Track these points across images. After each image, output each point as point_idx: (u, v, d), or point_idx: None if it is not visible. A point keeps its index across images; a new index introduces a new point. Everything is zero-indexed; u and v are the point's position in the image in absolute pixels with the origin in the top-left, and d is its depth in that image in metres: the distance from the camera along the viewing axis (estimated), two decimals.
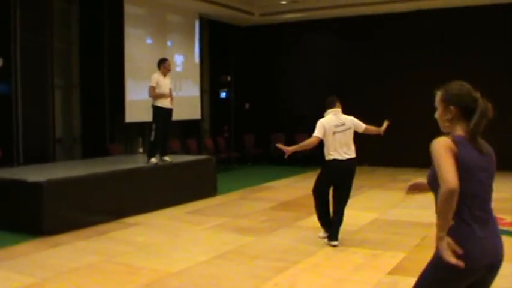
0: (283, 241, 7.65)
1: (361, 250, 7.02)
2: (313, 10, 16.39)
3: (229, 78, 18.30)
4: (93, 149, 12.56)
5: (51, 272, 6.15)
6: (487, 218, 2.88)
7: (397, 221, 7.72)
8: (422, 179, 3.08)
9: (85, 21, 12.86)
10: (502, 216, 8.84)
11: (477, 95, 2.93)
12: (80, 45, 12.87)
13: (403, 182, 11.32)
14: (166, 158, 10.66)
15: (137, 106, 13.26)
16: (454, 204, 2.72)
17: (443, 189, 2.70)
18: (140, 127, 13.78)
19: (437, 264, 2.84)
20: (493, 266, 2.89)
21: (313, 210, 9.56)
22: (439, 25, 15.26)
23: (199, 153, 15.15)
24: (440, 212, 2.77)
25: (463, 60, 14.69)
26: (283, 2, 16.38)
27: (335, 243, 7.25)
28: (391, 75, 15.69)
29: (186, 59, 15.72)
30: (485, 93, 2.99)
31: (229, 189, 12.17)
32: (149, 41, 14.35)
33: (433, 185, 2.91)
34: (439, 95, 3.03)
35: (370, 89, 15.96)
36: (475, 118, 2.86)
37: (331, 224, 7.42)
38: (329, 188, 7.50)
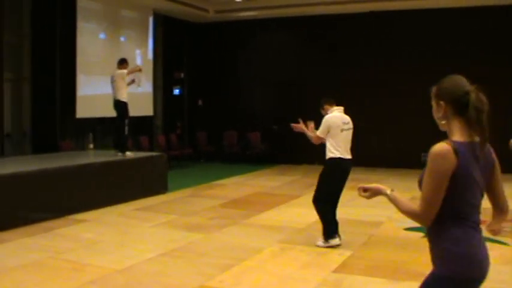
0: (232, 238, 7.67)
1: (308, 248, 7.08)
2: (268, 8, 16.48)
3: (182, 75, 18.22)
4: (43, 144, 12.35)
5: None
6: (479, 225, 2.72)
7: (345, 219, 7.83)
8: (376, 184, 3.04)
9: (37, 15, 12.62)
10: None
11: (469, 87, 2.68)
12: (31, 38, 12.62)
13: (354, 181, 11.45)
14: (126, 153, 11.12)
15: (89, 101, 13.11)
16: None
17: (416, 212, 2.63)
18: (91, 123, 13.62)
19: (441, 275, 2.69)
20: (483, 278, 2.72)
21: (264, 207, 9.63)
22: (394, 26, 15.51)
23: (152, 149, 15.05)
24: (399, 204, 2.73)
25: (422, 61, 14.98)
26: (238, 0, 16.39)
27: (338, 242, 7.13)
28: (344, 75, 15.84)
29: (139, 55, 15.59)
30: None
31: (180, 186, 12.13)
32: (102, 36, 14.18)
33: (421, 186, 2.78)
34: (432, 91, 2.83)
35: (324, 88, 16.03)
36: (470, 113, 2.63)
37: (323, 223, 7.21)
38: (333, 191, 7.17)
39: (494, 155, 2.77)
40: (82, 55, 13.14)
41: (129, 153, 10.94)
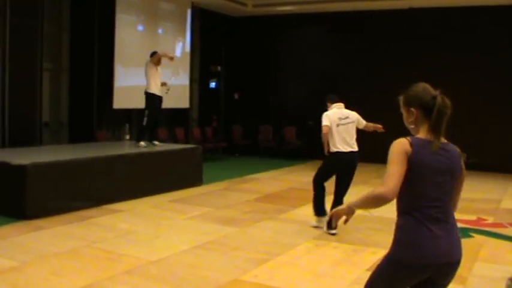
0: (265, 233, 7.64)
1: (342, 245, 7.03)
2: (305, 3, 16.38)
3: (219, 68, 18.25)
4: (80, 134, 12.50)
5: (31, 256, 6.11)
6: (443, 218, 2.89)
7: (380, 217, 7.72)
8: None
9: (76, 6, 12.75)
10: (483, 217, 8.90)
11: (435, 92, 2.93)
12: (70, 30, 12.76)
13: (369, 177, 11.40)
14: (156, 142, 11.23)
15: (125, 93, 13.20)
16: (379, 206, 2.87)
17: (379, 190, 2.81)
18: (128, 114, 13.72)
19: (390, 259, 2.93)
20: (449, 266, 2.91)
21: (299, 203, 9.63)
22: (432, 23, 15.26)
23: (187, 142, 15.11)
24: (362, 202, 2.95)
25: (458, 56, 14.76)
26: None
27: (334, 231, 7.51)
28: (378, 71, 15.68)
29: (177, 47, 15.64)
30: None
31: (214, 179, 12.14)
32: (140, 28, 14.25)
33: None
34: (401, 99, 3.05)
35: (362, 83, 15.93)
36: (433, 115, 2.87)
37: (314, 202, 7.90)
38: (328, 178, 7.83)
39: (462, 161, 3.02)
40: (120, 47, 13.23)
41: (142, 143, 10.90)
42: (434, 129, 2.88)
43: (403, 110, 3.04)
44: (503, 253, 6.90)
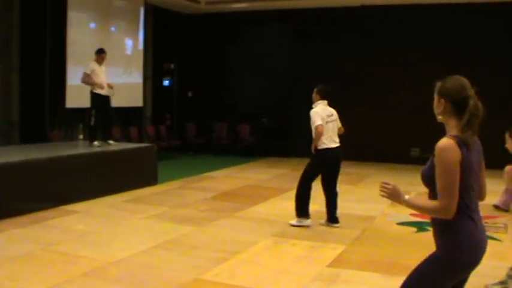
0: (224, 231, 7.62)
1: (302, 242, 7.06)
2: (259, 0, 16.37)
3: (172, 66, 18.11)
4: (32, 134, 12.20)
5: None
6: (478, 209, 2.96)
7: (338, 213, 7.84)
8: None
9: (27, 3, 12.43)
10: None
11: (470, 92, 2.91)
12: (21, 28, 12.42)
13: (347, 175, 11.52)
14: (111, 142, 11.17)
15: (78, 92, 12.92)
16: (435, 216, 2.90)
17: (440, 206, 2.81)
18: (81, 113, 13.48)
19: (436, 258, 2.95)
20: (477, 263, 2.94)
21: (256, 200, 9.65)
22: (388, 19, 15.49)
23: (141, 141, 14.95)
24: (420, 208, 2.96)
25: (419, 52, 15.03)
26: None
27: (338, 224, 7.83)
28: (334, 69, 15.76)
29: (129, 45, 15.45)
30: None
31: (170, 178, 12.05)
32: (92, 25, 14.02)
33: (428, 181, 2.97)
34: (436, 86, 3.03)
35: (314, 81, 15.92)
36: (465, 116, 2.87)
37: (329, 209, 7.92)
38: (316, 177, 7.89)
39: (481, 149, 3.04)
40: (72, 45, 12.98)
41: (96, 143, 10.80)
42: (468, 129, 2.87)
43: (435, 97, 3.03)
44: None
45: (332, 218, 7.87)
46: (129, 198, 9.83)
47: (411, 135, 14.97)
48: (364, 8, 15.44)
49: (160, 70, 17.62)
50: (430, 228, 7.93)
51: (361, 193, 10.48)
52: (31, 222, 7.78)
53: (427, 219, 8.34)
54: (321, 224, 7.93)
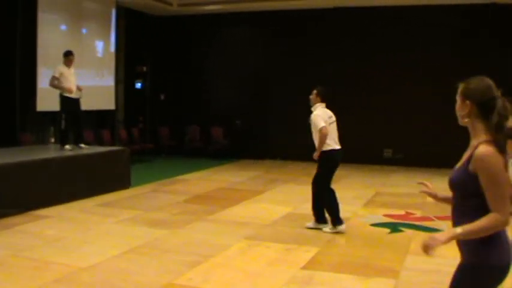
0: (197, 235, 7.57)
1: (275, 244, 7.04)
2: (232, 3, 16.35)
3: (145, 68, 17.97)
4: (2, 138, 11.98)
5: None
6: None
7: (311, 215, 7.85)
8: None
9: None
10: (412, 211, 9.13)
11: (497, 93, 2.77)
12: None
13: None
14: (82, 145, 11.02)
15: (49, 94, 12.73)
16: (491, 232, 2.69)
17: (500, 218, 2.63)
18: (53, 116, 13.30)
19: (476, 266, 2.75)
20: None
21: (228, 203, 9.62)
22: (352, 24, 15.58)
23: (113, 144, 14.80)
24: (476, 232, 2.68)
25: (383, 58, 15.19)
26: None
27: (343, 226, 7.66)
28: (307, 70, 15.82)
29: (101, 47, 15.30)
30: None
31: (143, 182, 11.96)
32: (63, 27, 13.85)
33: (457, 187, 2.85)
34: (459, 87, 2.88)
35: (290, 82, 16.06)
36: (493, 118, 2.72)
37: (329, 211, 7.72)
38: (332, 177, 7.84)
39: None
40: (43, 47, 12.79)
41: (67, 147, 10.75)
42: (498, 132, 2.72)
43: (458, 99, 2.88)
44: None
45: (337, 219, 7.69)
46: (101, 202, 9.72)
47: (384, 136, 15.11)
48: (334, 10, 15.52)
49: (133, 73, 17.46)
50: (404, 229, 8.02)
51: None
52: (1, 228, 7.64)
53: (400, 220, 8.42)
54: (308, 227, 7.86)
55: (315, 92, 7.87)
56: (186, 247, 6.89)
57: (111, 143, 14.70)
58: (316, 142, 7.62)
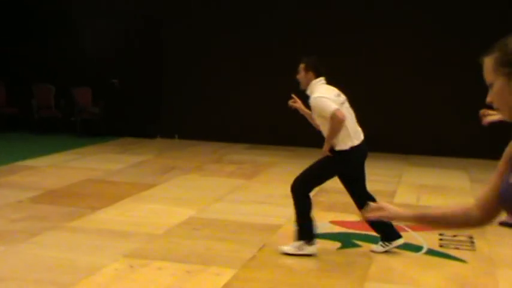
0: (50, 252, 7.35)
1: (171, 264, 6.95)
2: None
3: None
4: None
5: None
6: None
7: (224, 221, 7.70)
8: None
9: None
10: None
11: None
12: None
13: (232, 164, 11.51)
14: None
15: None
16: None
17: None
18: None
19: None
20: None
21: (99, 202, 9.48)
22: None
23: None
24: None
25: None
26: None
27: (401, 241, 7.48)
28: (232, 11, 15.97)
29: None
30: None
31: None
32: None
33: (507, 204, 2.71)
34: (491, 60, 2.58)
35: (188, 31, 16.17)
36: None
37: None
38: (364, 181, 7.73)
39: None
40: None
41: None
42: None
43: (495, 79, 2.59)
44: (401, 268, 7.07)
45: (390, 233, 7.55)
46: None
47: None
48: None
49: None
50: (360, 243, 8.06)
51: (259, 191, 10.52)
52: None
53: (355, 230, 8.40)
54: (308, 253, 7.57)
55: (302, 66, 7.56)
56: (31, 272, 6.65)
57: None
58: (327, 133, 7.39)
